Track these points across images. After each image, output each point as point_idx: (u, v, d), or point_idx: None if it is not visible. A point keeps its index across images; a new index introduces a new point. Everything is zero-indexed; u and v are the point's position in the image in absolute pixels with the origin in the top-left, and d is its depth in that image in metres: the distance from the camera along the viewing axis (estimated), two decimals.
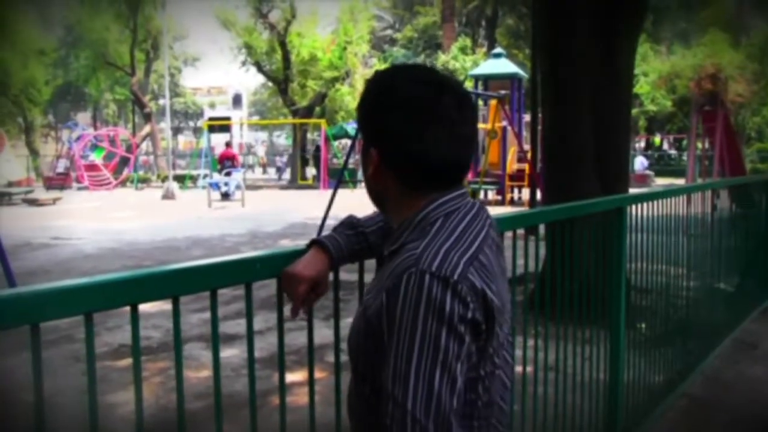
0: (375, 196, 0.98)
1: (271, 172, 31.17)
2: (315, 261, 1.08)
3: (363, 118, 0.93)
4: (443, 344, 0.77)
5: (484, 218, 0.92)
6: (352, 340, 0.93)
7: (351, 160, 19.49)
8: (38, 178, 22.48)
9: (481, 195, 14.08)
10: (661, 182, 19.29)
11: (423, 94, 0.87)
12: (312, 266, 1.07)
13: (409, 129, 0.87)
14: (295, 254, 1.12)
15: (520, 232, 1.92)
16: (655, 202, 2.86)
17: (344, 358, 3.36)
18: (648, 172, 20.92)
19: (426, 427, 0.75)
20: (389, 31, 33.80)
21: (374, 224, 1.16)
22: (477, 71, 16.95)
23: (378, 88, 0.91)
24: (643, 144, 30.63)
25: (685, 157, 21.53)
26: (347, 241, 1.13)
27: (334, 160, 21.30)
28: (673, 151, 30.91)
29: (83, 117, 35.61)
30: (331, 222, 8.00)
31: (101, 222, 11.30)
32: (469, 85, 18.63)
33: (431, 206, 0.89)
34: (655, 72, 23.63)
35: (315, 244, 1.12)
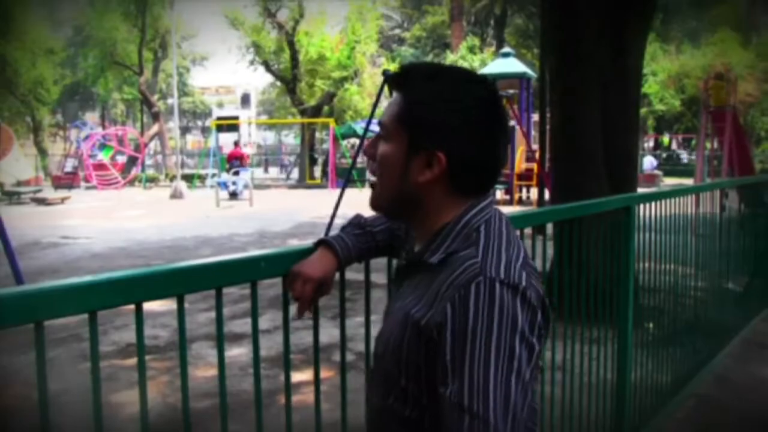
0: (405, 200, 0.90)
1: (272, 171, 31.19)
2: (322, 261, 1.08)
3: (431, 121, 0.87)
4: (517, 353, 0.76)
5: (509, 223, 0.93)
6: (392, 355, 0.87)
7: (359, 159, 19.53)
8: (47, 177, 22.66)
9: None
10: (670, 182, 19.15)
11: (487, 98, 0.89)
12: (319, 266, 1.07)
13: (477, 132, 0.88)
14: (301, 253, 1.11)
15: (528, 231, 1.91)
16: (664, 202, 2.84)
17: (350, 357, 3.35)
18: (657, 171, 20.77)
19: None
20: (397, 31, 33.80)
21: (381, 223, 1.15)
22: (485, 71, 16.86)
23: (440, 90, 0.88)
24: (651, 144, 30.43)
25: (693, 157, 21.33)
26: (355, 241, 1.12)
27: (342, 160, 21.33)
28: (681, 151, 30.68)
29: (91, 116, 35.91)
30: (339, 221, 8.01)
31: (109, 221, 11.38)
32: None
33: (472, 212, 0.88)
34: (664, 71, 23.46)
35: (322, 244, 1.11)
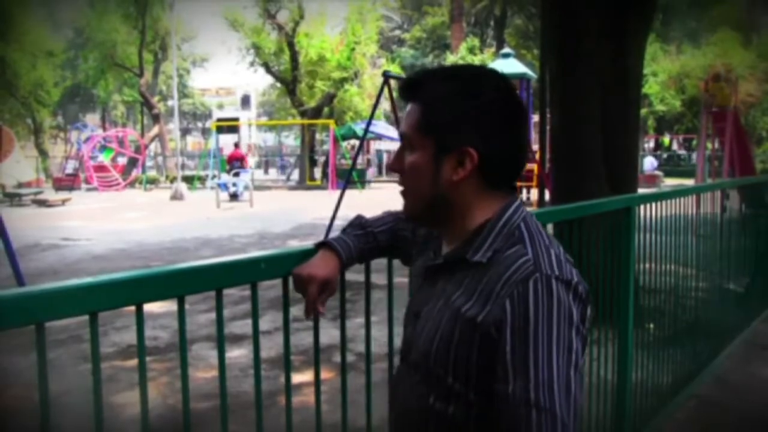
0: (439, 203, 0.91)
1: (272, 172, 31.17)
2: (324, 262, 1.08)
3: (456, 119, 0.88)
4: (574, 347, 0.79)
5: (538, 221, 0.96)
6: (439, 353, 0.87)
7: (359, 160, 19.54)
8: (47, 179, 22.68)
9: None
10: (671, 182, 19.15)
11: (503, 88, 0.91)
12: (322, 266, 1.07)
13: (499, 124, 0.89)
14: (301, 254, 1.12)
15: None
16: (664, 202, 2.84)
17: (351, 358, 3.33)
18: (657, 172, 20.77)
19: (571, 430, 0.76)
20: (397, 32, 33.81)
21: (383, 224, 1.16)
22: None
23: (456, 88, 0.90)
24: (652, 144, 30.42)
25: (694, 158, 21.33)
26: (356, 242, 1.12)
27: (343, 161, 21.33)
28: (682, 152, 30.67)
29: (92, 118, 35.92)
30: (339, 223, 8.01)
31: (110, 223, 11.38)
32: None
33: (509, 211, 0.90)
34: (665, 72, 23.46)
35: (323, 246, 1.11)
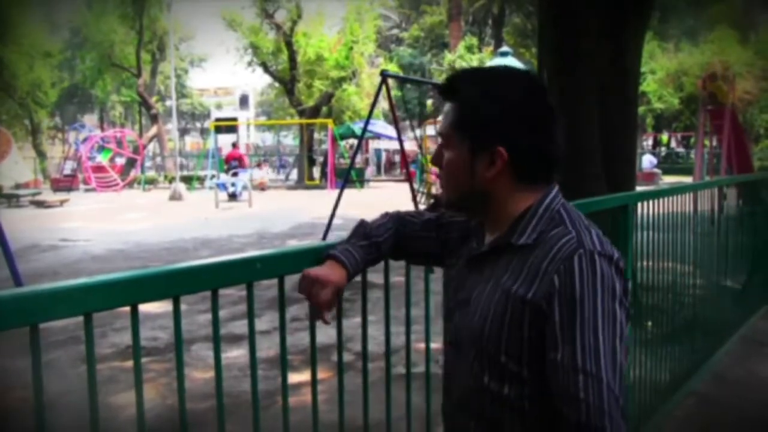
0: (475, 196, 0.98)
1: (271, 172, 31.10)
2: (333, 270, 1.09)
3: (486, 120, 0.94)
4: (618, 317, 0.84)
5: None
6: (492, 333, 0.92)
7: (357, 159, 19.52)
8: (45, 180, 22.65)
9: None
10: (669, 180, 19.17)
11: (532, 89, 0.97)
12: (335, 274, 1.08)
13: (528, 123, 0.95)
14: (297, 254, 1.11)
15: None
16: (661, 200, 2.84)
17: (350, 357, 3.33)
18: (656, 170, 20.77)
19: (618, 396, 0.81)
20: (395, 31, 33.79)
21: (386, 231, 1.17)
22: None
23: (487, 90, 0.96)
24: (650, 142, 30.43)
25: (693, 155, 21.35)
26: (362, 253, 1.13)
27: (341, 160, 21.31)
28: (681, 149, 30.69)
29: (90, 119, 35.87)
30: (338, 221, 8.02)
31: (109, 223, 11.37)
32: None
33: (549, 197, 0.97)
34: (663, 70, 23.47)
35: (330, 258, 1.11)
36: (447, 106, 0.99)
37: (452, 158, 0.98)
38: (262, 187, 19.41)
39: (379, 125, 21.40)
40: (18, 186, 17.85)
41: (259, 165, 23.84)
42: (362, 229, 1.17)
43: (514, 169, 0.95)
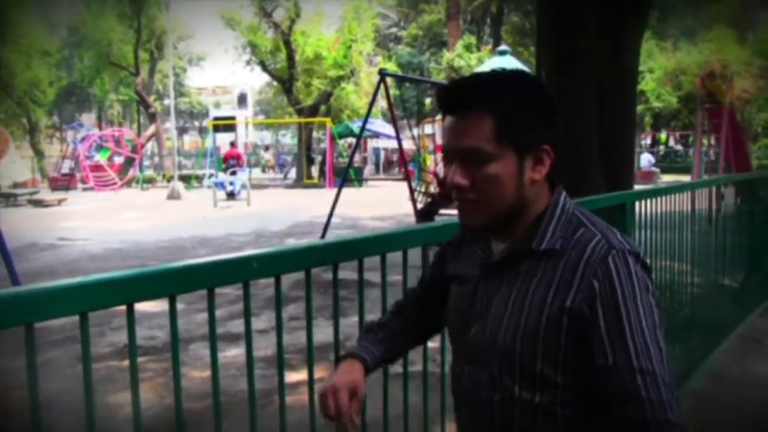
0: (519, 205, 0.93)
1: (270, 171, 31.18)
2: (348, 368, 1.04)
3: (532, 120, 0.92)
4: (655, 311, 0.86)
5: None
6: (526, 343, 0.89)
7: (356, 158, 19.51)
8: (43, 179, 22.60)
9: None
10: (668, 179, 19.19)
11: (546, 89, 0.98)
12: (346, 373, 1.03)
13: (553, 121, 0.95)
14: (294, 253, 1.11)
15: None
16: (659, 199, 2.84)
17: None
18: (654, 169, 20.79)
19: (670, 386, 0.83)
20: (394, 29, 33.77)
21: (391, 315, 1.15)
22: (482, 68, 16.88)
23: (533, 89, 0.94)
24: (649, 141, 30.47)
25: (691, 154, 21.37)
26: (380, 347, 1.09)
27: (340, 159, 21.30)
28: (679, 148, 30.73)
29: (88, 118, 35.80)
30: (336, 220, 8.02)
31: (107, 222, 11.35)
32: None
33: (562, 198, 0.95)
34: (661, 68, 23.49)
35: (345, 358, 1.07)
36: (464, 119, 0.90)
37: (498, 172, 0.90)
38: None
39: (378, 124, 21.39)
40: (16, 185, 17.81)
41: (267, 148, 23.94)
42: (378, 323, 1.13)
43: (548, 171, 0.95)
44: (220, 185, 16.11)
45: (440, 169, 10.35)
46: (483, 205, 0.92)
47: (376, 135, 22.34)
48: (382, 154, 29.57)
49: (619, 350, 0.82)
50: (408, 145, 19.11)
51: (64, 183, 20.36)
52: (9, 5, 22.01)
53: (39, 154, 25.81)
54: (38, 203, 15.70)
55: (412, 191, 8.81)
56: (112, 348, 4.05)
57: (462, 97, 0.91)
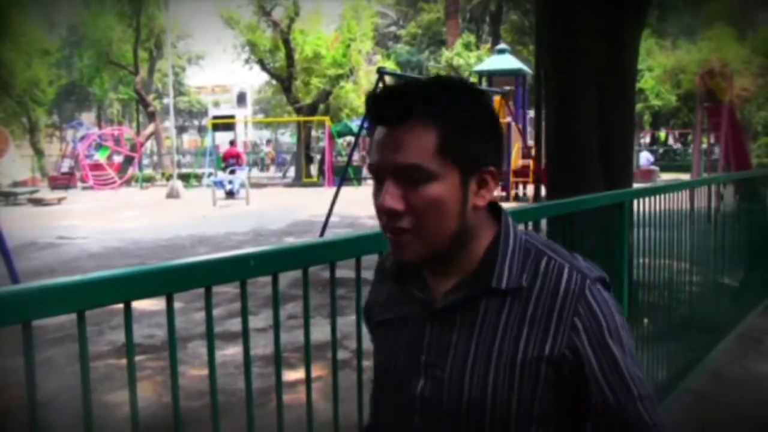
0: (462, 234, 0.80)
1: (271, 169, 31.23)
2: None
3: (480, 136, 0.80)
4: (630, 332, 0.82)
5: None
6: (498, 399, 0.78)
7: (355, 157, 19.51)
8: (43, 177, 22.59)
9: None
10: (667, 177, 19.18)
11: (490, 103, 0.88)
12: None
13: (500, 138, 0.84)
14: (291, 251, 1.11)
15: (522, 227, 1.91)
16: (658, 197, 2.84)
17: (347, 355, 3.32)
18: (653, 167, 20.80)
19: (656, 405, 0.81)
20: (393, 28, 33.75)
21: None
22: (481, 67, 16.90)
23: (480, 100, 0.82)
24: (648, 139, 30.47)
25: (690, 152, 21.38)
26: None
27: (339, 158, 21.30)
28: (678, 146, 30.74)
29: (88, 117, 35.78)
30: (335, 219, 8.01)
31: (106, 221, 11.35)
32: (473, 81, 18.53)
33: (511, 225, 0.84)
34: (660, 67, 23.49)
35: None
36: (401, 132, 0.76)
37: (439, 193, 0.76)
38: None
39: None
40: (15, 184, 17.81)
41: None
42: None
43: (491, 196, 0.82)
44: (219, 184, 16.10)
45: None
46: (421, 235, 0.77)
47: None
48: None
49: (619, 388, 0.77)
50: None
51: (63, 182, 20.35)
52: (9, 4, 21.98)
53: (39, 153, 25.80)
54: (38, 202, 15.69)
55: None
56: (111, 346, 4.05)
57: (400, 104, 0.76)
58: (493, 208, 0.84)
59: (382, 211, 0.78)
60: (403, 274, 0.86)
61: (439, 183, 0.76)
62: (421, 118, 0.76)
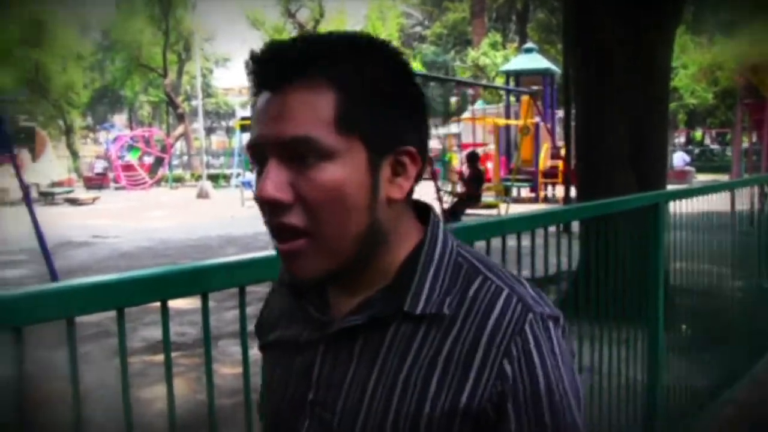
0: (369, 236, 0.60)
1: None
2: None
3: (392, 105, 0.59)
4: (581, 392, 0.61)
5: None
6: None
7: None
8: (79, 178, 23.31)
9: (514, 192, 13.92)
10: (703, 178, 18.65)
11: (407, 63, 0.63)
12: None
13: (420, 111, 0.62)
14: None
15: (552, 229, 1.88)
16: (695, 199, 2.75)
17: None
18: (688, 168, 20.24)
19: None
20: (418, 28, 33.71)
21: None
22: (508, 67, 16.72)
23: (395, 62, 0.61)
24: (683, 139, 29.69)
25: (729, 152, 20.75)
26: None
27: None
28: (715, 146, 29.85)
29: (119, 118, 36.77)
30: None
31: (137, 221, 11.62)
32: (500, 81, 18.40)
33: (439, 233, 0.63)
34: (695, 64, 22.85)
35: None
36: (286, 95, 0.56)
37: (338, 177, 0.56)
38: None
39: None
40: (53, 184, 18.43)
41: None
42: None
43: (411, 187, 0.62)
44: (248, 185, 16.33)
45: (466, 169, 10.30)
46: (318, 239, 0.58)
47: None
48: None
49: None
50: (434, 144, 19.07)
51: (97, 182, 20.98)
52: (45, 12, 22.74)
53: (74, 154, 26.62)
54: (74, 202, 16.20)
55: (438, 191, 8.76)
56: (145, 343, 4.14)
57: (287, 60, 0.57)
58: (421, 208, 0.65)
59: (263, 202, 0.58)
60: (299, 285, 0.65)
61: (337, 164, 0.56)
62: (314, 78, 0.56)
